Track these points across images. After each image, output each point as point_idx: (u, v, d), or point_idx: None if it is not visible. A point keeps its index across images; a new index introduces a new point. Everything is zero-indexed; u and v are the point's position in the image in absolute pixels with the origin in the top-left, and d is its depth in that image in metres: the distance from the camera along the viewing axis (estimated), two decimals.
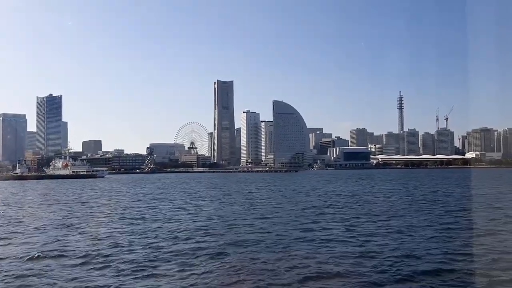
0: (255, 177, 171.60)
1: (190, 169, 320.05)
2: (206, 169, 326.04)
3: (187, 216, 32.85)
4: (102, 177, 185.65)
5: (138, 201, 50.40)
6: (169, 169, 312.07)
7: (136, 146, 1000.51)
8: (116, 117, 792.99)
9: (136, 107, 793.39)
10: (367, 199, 47.60)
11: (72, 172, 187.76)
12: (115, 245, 20.93)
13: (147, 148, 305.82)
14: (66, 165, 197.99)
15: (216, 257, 17.78)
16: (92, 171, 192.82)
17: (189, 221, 29.97)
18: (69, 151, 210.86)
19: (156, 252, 19.21)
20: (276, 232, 24.13)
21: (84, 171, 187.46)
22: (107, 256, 18.64)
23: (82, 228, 27.39)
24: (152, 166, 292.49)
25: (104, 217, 33.85)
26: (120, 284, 14.44)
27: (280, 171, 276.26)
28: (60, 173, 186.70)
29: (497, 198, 48.60)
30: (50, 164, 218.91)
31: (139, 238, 23.14)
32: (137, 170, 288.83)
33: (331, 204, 41.62)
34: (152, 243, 21.50)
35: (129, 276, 15.41)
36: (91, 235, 24.35)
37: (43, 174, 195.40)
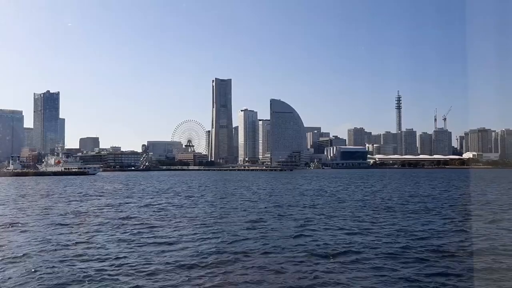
0: (246, 175, 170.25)
1: (185, 167, 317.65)
2: (202, 167, 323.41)
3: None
4: (94, 174, 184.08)
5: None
6: (164, 167, 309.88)
7: (134, 143, 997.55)
8: (114, 115, 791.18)
9: (134, 105, 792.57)
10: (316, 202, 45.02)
11: (64, 169, 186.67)
12: None
13: (142, 145, 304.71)
14: (59, 162, 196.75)
15: None
16: (84, 168, 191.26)
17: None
18: (62, 148, 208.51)
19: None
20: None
21: (75, 168, 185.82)
22: None
23: None
24: (147, 163, 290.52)
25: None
26: None
27: (275, 170, 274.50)
28: (52, 170, 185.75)
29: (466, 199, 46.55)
30: (43, 161, 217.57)
31: None
32: (132, 168, 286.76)
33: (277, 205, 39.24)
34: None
35: None
36: None
37: (33, 171, 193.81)
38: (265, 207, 37.49)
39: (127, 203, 43.54)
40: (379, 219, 29.31)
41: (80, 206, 39.92)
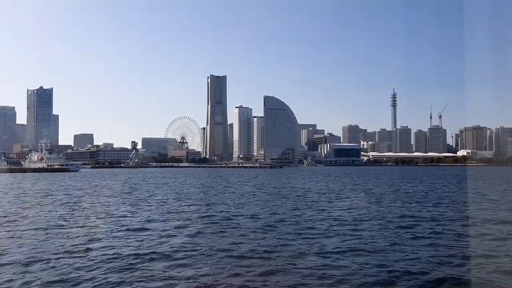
0: (233, 173, 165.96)
1: (176, 164, 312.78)
2: (192, 164, 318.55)
3: None
4: (76, 171, 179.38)
5: None
6: (154, 164, 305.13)
7: (129, 140, 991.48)
8: (109, 111, 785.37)
9: (129, 101, 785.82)
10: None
11: (46, 165, 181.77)
12: None
13: (132, 142, 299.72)
14: (42, 159, 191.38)
15: None
16: (66, 164, 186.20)
17: None
18: (45, 144, 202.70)
19: None
20: None
21: (57, 165, 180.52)
22: None
23: None
24: (136, 160, 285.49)
25: None
26: None
27: (265, 167, 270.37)
28: (35, 166, 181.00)
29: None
30: (27, 157, 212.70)
31: None
32: (122, 165, 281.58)
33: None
34: None
35: None
36: None
37: (18, 168, 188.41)
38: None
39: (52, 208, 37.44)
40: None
41: None
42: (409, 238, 21.67)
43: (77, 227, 25.30)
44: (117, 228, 24.61)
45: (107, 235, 22.65)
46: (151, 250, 18.65)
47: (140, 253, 18.25)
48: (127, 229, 24.25)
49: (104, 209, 34.97)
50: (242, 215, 30.74)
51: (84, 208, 35.90)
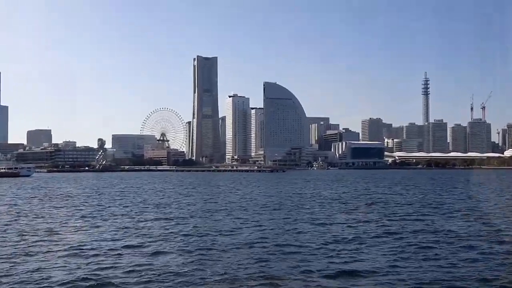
0: (223, 178, 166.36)
1: (154, 167, 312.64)
2: (175, 168, 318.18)
3: None
4: (28, 175, 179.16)
5: None
6: (127, 167, 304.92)
7: (94, 137, 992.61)
8: (72, 103, 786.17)
9: (95, 90, 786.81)
10: None
11: None
12: None
13: (98, 139, 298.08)
14: None
15: None
16: (15, 168, 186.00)
17: None
18: None
19: None
20: None
21: (4, 168, 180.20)
22: None
23: None
24: (104, 162, 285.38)
25: None
26: None
27: (265, 171, 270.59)
28: None
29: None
30: None
31: None
32: (86, 168, 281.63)
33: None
34: None
35: None
36: None
37: None
38: None
39: None
40: None
41: None
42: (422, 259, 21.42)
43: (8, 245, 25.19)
44: (61, 248, 24.56)
45: (41, 254, 22.67)
46: (85, 275, 18.53)
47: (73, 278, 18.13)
48: (68, 248, 24.26)
49: (44, 225, 34.79)
50: (218, 230, 30.52)
51: (23, 222, 35.74)
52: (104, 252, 23.27)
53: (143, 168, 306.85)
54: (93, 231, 30.69)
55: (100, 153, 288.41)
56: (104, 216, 39.77)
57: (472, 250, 23.70)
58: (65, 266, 20.21)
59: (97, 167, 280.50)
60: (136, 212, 43.05)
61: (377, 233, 29.42)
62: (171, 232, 29.99)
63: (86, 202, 55.98)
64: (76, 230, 31.50)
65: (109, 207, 49.26)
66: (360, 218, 37.61)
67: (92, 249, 24.12)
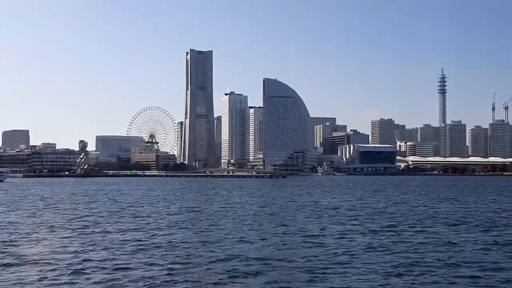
0: (217, 184, 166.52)
1: (141, 172, 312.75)
2: (165, 173, 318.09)
3: None
4: (1, 181, 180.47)
5: None
6: (111, 172, 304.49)
7: (76, 139, 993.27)
8: (53, 101, 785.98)
9: (78, 87, 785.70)
10: None
11: None
12: None
13: (80, 141, 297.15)
14: None
15: None
16: None
17: None
18: None
19: None
20: None
21: None
22: None
23: None
24: (86, 166, 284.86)
25: None
26: None
27: (264, 176, 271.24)
28: None
29: None
30: None
31: None
32: (66, 172, 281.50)
33: None
34: None
35: None
36: None
37: None
38: None
39: None
40: None
41: None
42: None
43: None
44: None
45: None
46: None
47: None
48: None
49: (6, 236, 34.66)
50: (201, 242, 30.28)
51: None
52: (65, 266, 23.23)
53: (129, 173, 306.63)
54: (56, 244, 30.47)
55: (81, 156, 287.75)
56: (72, 226, 39.60)
57: None
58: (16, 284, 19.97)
59: (78, 171, 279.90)
60: (109, 223, 42.81)
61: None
62: (142, 245, 29.83)
63: (56, 211, 55.84)
64: (37, 242, 31.25)
65: (82, 216, 49.08)
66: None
67: (49, 264, 23.94)
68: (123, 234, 34.89)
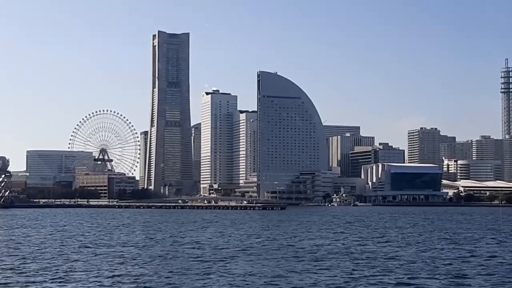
0: (192, 219, 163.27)
1: (86, 202, 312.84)
2: (122, 203, 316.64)
3: None
4: None
5: None
6: (43, 201, 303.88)
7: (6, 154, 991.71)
8: None
9: (7, 88, 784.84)
10: None
11: None
12: None
13: (0, 158, 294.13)
14: None
15: None
16: None
17: None
18: None
19: None
20: None
21: None
22: None
23: None
24: (7, 194, 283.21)
25: None
26: None
27: (256, 207, 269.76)
28: None
29: None
30: None
31: None
32: None
33: None
34: None
35: None
36: None
37: None
38: None
39: None
40: None
41: None
42: None
43: None
44: None
45: None
46: None
47: None
48: None
49: None
50: None
51: None
52: None
53: (68, 203, 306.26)
54: None
55: (1, 179, 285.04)
56: None
57: None
58: None
59: None
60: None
61: None
62: None
63: None
64: None
65: None
66: None
67: None
68: None
